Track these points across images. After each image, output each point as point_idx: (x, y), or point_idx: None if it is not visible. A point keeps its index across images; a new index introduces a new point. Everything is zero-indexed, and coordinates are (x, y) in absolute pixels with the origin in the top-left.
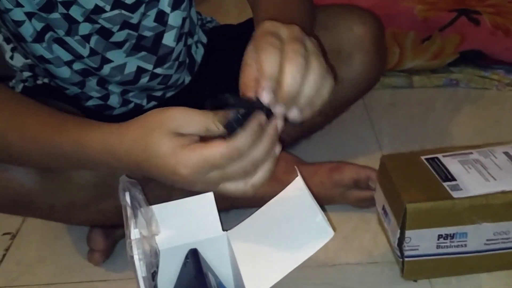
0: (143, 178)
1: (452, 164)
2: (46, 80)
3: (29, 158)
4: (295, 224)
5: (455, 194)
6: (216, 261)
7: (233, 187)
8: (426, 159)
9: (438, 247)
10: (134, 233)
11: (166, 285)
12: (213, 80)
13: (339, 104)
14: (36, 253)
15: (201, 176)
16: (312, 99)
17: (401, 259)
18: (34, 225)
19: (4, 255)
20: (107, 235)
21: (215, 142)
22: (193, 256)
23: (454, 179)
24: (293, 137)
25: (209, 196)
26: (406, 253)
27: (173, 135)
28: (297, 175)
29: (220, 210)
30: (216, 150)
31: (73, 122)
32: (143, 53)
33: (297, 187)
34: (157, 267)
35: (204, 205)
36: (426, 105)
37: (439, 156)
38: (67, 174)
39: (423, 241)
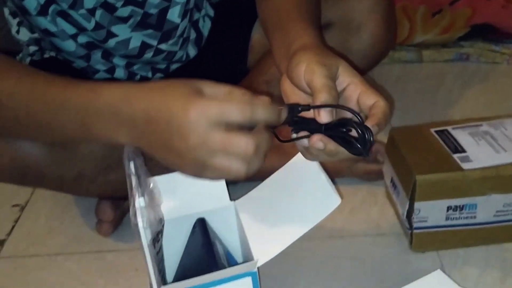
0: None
1: (461, 136)
2: (53, 54)
3: (35, 124)
4: (302, 193)
5: (465, 166)
6: (224, 231)
7: (230, 162)
8: (436, 131)
9: (447, 218)
10: (139, 201)
11: (173, 254)
12: (220, 53)
13: None
14: (45, 224)
15: (205, 126)
16: None
17: (409, 231)
18: (43, 197)
19: (13, 226)
20: (115, 206)
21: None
22: (201, 225)
23: (464, 151)
24: None
25: None
26: (415, 225)
27: (196, 88)
28: None
29: (227, 182)
30: (233, 102)
31: (85, 82)
32: (148, 29)
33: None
34: (161, 235)
35: None
36: (436, 79)
37: (449, 128)
38: (74, 144)
39: (432, 212)
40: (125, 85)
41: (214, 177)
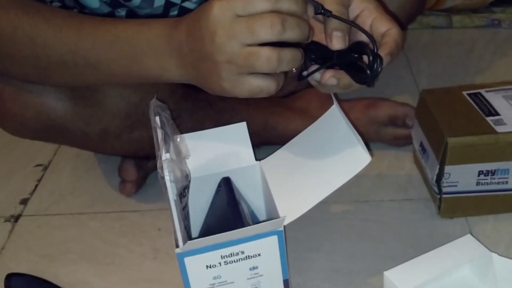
0: (175, 107)
1: (495, 99)
2: (76, 11)
3: (82, 62)
4: (330, 151)
5: (499, 129)
6: (248, 191)
7: (260, 51)
8: (468, 94)
9: (478, 183)
10: (166, 155)
11: (198, 213)
12: None
13: None
14: (68, 184)
15: (229, 16)
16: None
17: (438, 196)
18: (65, 157)
19: (36, 186)
20: (139, 166)
21: None
22: (226, 184)
23: (497, 114)
24: None
25: (242, 126)
26: (444, 190)
27: None
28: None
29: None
30: None
31: (132, 19)
32: None
33: (332, 115)
34: (188, 190)
35: (237, 134)
36: (466, 45)
37: (482, 91)
38: (99, 100)
39: (462, 177)
40: (176, 18)
41: (251, 85)
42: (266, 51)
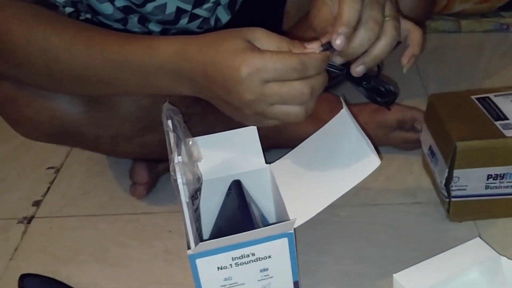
0: (186, 111)
1: (504, 103)
2: (88, 16)
3: (94, 78)
4: (339, 154)
5: (508, 133)
6: (258, 193)
7: (288, 108)
8: (477, 98)
9: (486, 187)
10: (178, 158)
11: (208, 216)
12: (254, 19)
13: None
14: (80, 187)
15: (259, 82)
16: (378, 58)
17: (447, 199)
18: (77, 160)
19: (48, 188)
20: (150, 168)
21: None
22: (237, 187)
23: (506, 118)
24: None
25: (253, 129)
26: (453, 193)
27: (248, 42)
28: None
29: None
30: (284, 57)
31: (141, 37)
32: None
33: (342, 119)
34: (199, 193)
35: (247, 137)
36: (474, 50)
37: (491, 95)
38: (111, 105)
39: (471, 181)
40: (181, 40)
41: (275, 123)
42: (298, 83)
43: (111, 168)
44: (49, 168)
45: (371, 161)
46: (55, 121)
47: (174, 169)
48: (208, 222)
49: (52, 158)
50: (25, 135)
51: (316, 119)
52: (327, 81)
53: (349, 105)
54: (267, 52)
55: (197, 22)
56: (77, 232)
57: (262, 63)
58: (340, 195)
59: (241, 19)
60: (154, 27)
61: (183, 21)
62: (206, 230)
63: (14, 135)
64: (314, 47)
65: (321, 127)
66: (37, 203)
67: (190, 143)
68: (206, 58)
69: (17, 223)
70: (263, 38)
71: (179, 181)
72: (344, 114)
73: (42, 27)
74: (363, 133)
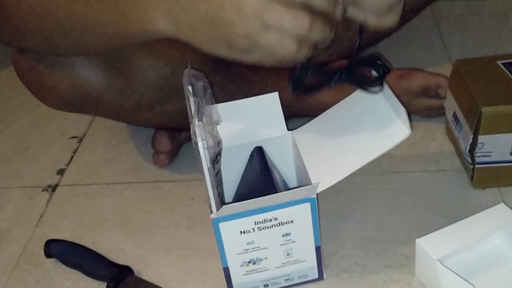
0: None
1: None
2: None
3: (77, 26)
4: (367, 122)
5: None
6: (280, 160)
7: (282, 38)
8: (503, 63)
9: None
10: (198, 121)
11: (231, 182)
12: None
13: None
14: (103, 156)
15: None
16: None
17: (471, 166)
18: (100, 129)
19: (72, 157)
20: (172, 137)
21: None
22: (259, 153)
23: None
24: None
25: (274, 96)
26: (477, 160)
27: None
28: None
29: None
30: None
31: None
32: None
33: None
34: (220, 157)
35: (269, 104)
36: (499, 17)
37: None
38: (131, 73)
39: (496, 147)
40: None
41: (261, 57)
42: (301, 13)
43: (133, 137)
44: (72, 137)
45: (399, 131)
46: (76, 89)
47: (195, 132)
48: (230, 188)
49: (75, 127)
50: (48, 104)
51: (339, 88)
52: (330, 38)
53: None
54: None
55: None
56: (100, 199)
57: None
58: (365, 163)
59: None
60: None
61: None
62: (229, 196)
63: (38, 105)
64: None
65: (341, 96)
66: (61, 172)
67: (211, 107)
68: None
69: (42, 191)
70: None
71: (200, 144)
72: None
73: None
74: (397, 101)
